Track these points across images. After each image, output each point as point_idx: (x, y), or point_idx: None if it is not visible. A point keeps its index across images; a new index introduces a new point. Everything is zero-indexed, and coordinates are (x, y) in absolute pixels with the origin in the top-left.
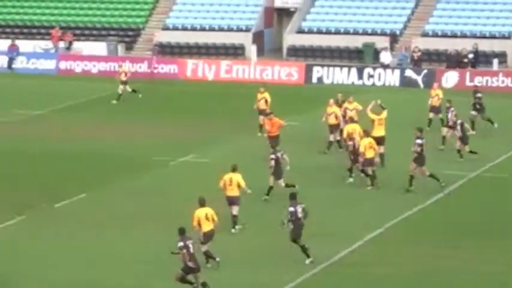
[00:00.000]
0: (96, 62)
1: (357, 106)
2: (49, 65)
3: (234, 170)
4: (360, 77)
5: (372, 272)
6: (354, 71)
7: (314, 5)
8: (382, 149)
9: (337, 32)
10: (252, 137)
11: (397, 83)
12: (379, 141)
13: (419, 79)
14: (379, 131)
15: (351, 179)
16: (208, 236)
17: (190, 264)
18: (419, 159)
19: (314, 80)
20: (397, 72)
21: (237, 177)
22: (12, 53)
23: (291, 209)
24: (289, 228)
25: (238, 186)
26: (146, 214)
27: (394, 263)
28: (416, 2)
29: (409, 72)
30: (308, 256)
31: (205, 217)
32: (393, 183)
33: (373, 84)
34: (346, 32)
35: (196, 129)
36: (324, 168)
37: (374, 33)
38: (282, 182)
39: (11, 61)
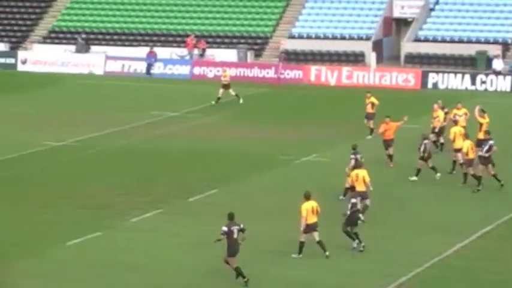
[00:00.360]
0: (227, 67)
1: (466, 112)
2: (184, 70)
3: (359, 166)
4: (473, 83)
5: (482, 267)
6: (467, 77)
7: (430, 15)
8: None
9: (452, 41)
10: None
11: (508, 89)
12: (481, 143)
13: None
14: (483, 134)
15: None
16: (311, 227)
17: (229, 250)
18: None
19: (429, 85)
20: (509, 78)
21: (363, 173)
22: (151, 59)
23: (353, 200)
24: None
25: (364, 181)
26: (272, 208)
27: (501, 258)
28: None
29: None
30: (358, 241)
31: (311, 210)
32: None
33: (486, 90)
34: (460, 41)
35: (318, 131)
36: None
37: (487, 41)
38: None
39: (149, 67)
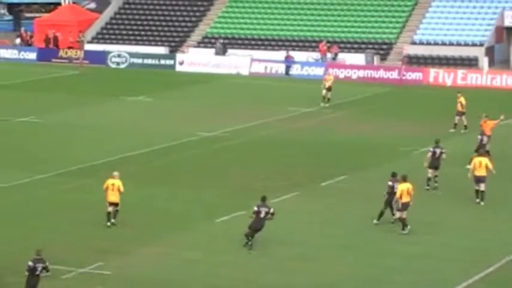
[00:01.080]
0: (356, 69)
1: None
2: (319, 72)
3: (481, 154)
4: None
5: None
6: None
7: None
8: None
9: None
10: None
11: None
12: None
13: None
14: None
15: None
16: (404, 206)
17: (254, 224)
18: None
19: None
20: None
21: (485, 160)
22: (289, 62)
23: (389, 183)
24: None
25: (486, 167)
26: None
27: None
28: None
29: None
30: (404, 226)
31: (406, 191)
32: None
33: None
34: None
35: (435, 125)
36: None
37: None
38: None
39: (287, 68)
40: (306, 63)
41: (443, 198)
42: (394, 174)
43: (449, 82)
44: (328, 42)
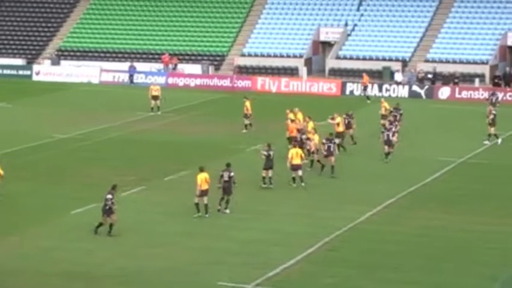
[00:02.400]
0: (194, 78)
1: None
2: (161, 80)
3: (295, 146)
4: (380, 90)
5: (386, 230)
6: (375, 86)
7: (348, 39)
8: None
9: (364, 58)
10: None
11: (406, 95)
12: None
13: (422, 92)
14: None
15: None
16: (203, 193)
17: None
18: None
19: (347, 92)
20: (406, 87)
21: (299, 151)
22: (132, 71)
23: (221, 173)
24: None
25: (301, 156)
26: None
27: (403, 223)
28: (421, 36)
29: (415, 88)
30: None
31: (204, 180)
32: (404, 166)
33: (389, 96)
34: (371, 58)
35: (262, 127)
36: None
37: (390, 59)
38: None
39: (131, 77)
40: (149, 73)
41: (274, 190)
42: (228, 165)
43: (274, 89)
44: (169, 54)
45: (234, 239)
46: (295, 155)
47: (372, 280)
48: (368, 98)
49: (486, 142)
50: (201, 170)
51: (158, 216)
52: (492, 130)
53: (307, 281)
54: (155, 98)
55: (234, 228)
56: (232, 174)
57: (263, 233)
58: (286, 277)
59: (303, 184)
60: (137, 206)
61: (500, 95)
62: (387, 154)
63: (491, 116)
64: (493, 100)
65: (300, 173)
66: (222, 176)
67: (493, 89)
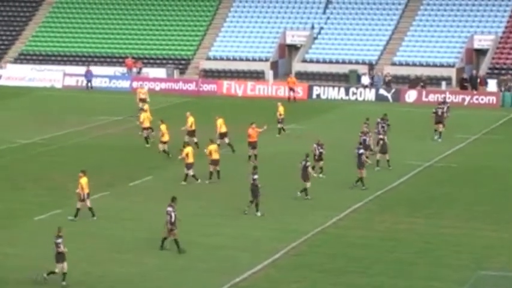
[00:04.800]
0: (158, 82)
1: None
2: (125, 84)
3: (212, 142)
4: (347, 94)
5: (353, 234)
6: (342, 89)
7: (314, 42)
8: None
9: (331, 62)
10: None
11: (373, 99)
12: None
13: (389, 96)
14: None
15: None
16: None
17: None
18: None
19: (314, 96)
20: (373, 91)
21: (214, 146)
22: (89, 76)
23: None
24: None
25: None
26: (193, 189)
27: (369, 227)
28: (388, 39)
29: (382, 91)
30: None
31: (85, 184)
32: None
33: (356, 100)
34: (337, 62)
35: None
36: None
37: (357, 62)
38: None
39: (89, 82)
40: (113, 77)
41: (241, 196)
42: (255, 167)
43: (240, 92)
44: (133, 58)
45: (202, 244)
46: (213, 149)
47: (338, 285)
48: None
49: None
50: (84, 173)
51: (123, 222)
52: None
53: (274, 286)
54: (143, 101)
55: (202, 235)
56: (255, 177)
57: (231, 239)
58: (252, 283)
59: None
60: (101, 211)
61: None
62: (378, 161)
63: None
64: (439, 113)
65: (218, 168)
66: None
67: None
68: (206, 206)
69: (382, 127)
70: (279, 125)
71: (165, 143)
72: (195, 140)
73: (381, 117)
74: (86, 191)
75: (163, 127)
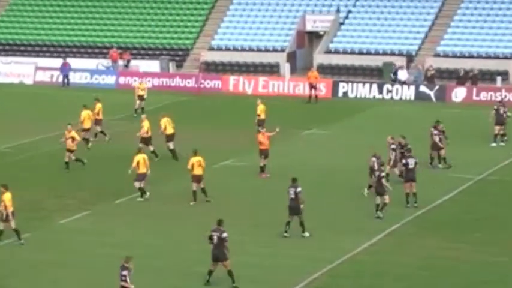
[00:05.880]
0: (150, 77)
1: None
2: (110, 80)
3: (195, 154)
4: (380, 92)
5: (388, 261)
6: (374, 86)
7: (340, 29)
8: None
9: (361, 52)
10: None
11: (413, 97)
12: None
13: (432, 94)
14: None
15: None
16: None
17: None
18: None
19: (340, 94)
20: (413, 88)
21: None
22: (65, 70)
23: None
24: None
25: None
26: (193, 210)
27: (407, 253)
28: (430, 25)
29: (423, 88)
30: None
31: None
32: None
33: (391, 98)
34: (368, 53)
35: (236, 137)
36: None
37: (392, 53)
38: None
39: (65, 78)
40: (95, 71)
41: (252, 216)
42: (294, 180)
43: (249, 90)
44: (119, 48)
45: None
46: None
47: None
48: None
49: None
50: (5, 188)
51: (106, 249)
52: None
53: None
54: (141, 98)
55: (203, 263)
56: (299, 189)
57: (236, 268)
58: None
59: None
60: (80, 236)
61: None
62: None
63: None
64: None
65: (202, 185)
66: (288, 193)
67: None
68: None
69: (440, 139)
70: (259, 129)
71: (145, 139)
72: (152, 148)
73: (433, 125)
74: (11, 209)
75: (146, 123)
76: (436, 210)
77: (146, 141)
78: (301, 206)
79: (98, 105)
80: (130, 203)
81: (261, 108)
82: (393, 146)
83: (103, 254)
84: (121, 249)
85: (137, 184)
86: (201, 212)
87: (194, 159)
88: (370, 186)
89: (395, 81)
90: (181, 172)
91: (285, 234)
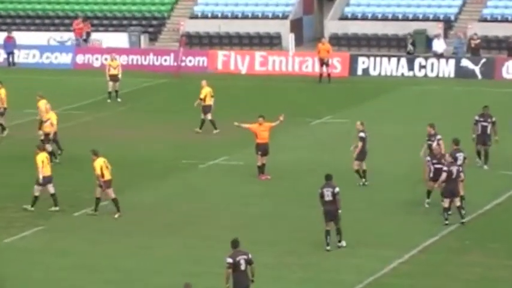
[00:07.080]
0: (117, 54)
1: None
2: (65, 59)
3: None
4: (411, 67)
5: (423, 285)
6: (403, 61)
7: None
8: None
9: (385, 18)
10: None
11: (452, 74)
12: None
13: (476, 69)
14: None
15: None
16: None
17: (236, 285)
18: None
19: (359, 72)
20: (452, 62)
21: None
22: (10, 45)
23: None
24: None
25: None
26: (176, 219)
27: (448, 275)
28: None
29: (466, 62)
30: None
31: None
32: None
33: (425, 76)
34: (395, 18)
35: (227, 128)
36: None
37: (426, 18)
38: None
39: (10, 55)
40: (47, 48)
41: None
42: (328, 177)
43: (243, 69)
44: (84, 18)
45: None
46: (101, 167)
47: None
48: None
49: None
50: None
51: (63, 272)
52: None
53: None
54: (114, 78)
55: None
56: (337, 190)
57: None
58: None
59: None
60: (30, 257)
61: None
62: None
63: None
64: None
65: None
66: (322, 195)
67: None
68: (192, 244)
69: (483, 126)
70: (203, 116)
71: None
72: (50, 148)
73: (479, 112)
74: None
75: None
76: (484, 218)
77: (49, 137)
78: (339, 210)
79: (2, 91)
80: (94, 216)
81: (206, 91)
82: (362, 135)
83: (59, 276)
84: (85, 272)
85: (35, 192)
86: (181, 225)
87: (100, 162)
88: (429, 193)
89: (411, 54)
90: (140, 178)
91: (327, 248)
